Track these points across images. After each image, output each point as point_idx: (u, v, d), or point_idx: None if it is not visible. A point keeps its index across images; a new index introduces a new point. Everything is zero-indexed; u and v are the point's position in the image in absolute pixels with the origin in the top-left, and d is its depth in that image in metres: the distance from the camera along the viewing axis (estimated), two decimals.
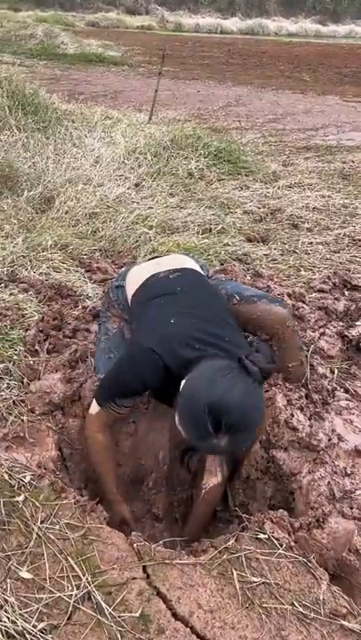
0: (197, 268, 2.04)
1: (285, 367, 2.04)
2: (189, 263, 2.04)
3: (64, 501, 1.58)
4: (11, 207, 3.39)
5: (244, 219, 3.73)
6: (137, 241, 3.14)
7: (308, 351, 2.22)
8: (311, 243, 3.39)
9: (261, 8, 34.44)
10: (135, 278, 1.97)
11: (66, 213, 3.37)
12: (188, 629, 1.29)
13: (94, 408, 1.73)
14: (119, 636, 1.26)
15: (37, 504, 1.56)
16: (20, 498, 1.57)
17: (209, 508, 1.83)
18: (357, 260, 3.22)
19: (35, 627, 1.25)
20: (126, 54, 14.47)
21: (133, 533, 1.54)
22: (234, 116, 7.57)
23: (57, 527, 1.50)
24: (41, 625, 1.26)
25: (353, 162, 5.34)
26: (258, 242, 3.35)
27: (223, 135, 5.81)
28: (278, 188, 4.33)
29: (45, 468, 1.71)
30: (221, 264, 3.00)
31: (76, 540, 1.47)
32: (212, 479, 1.77)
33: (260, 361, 1.48)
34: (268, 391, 1.96)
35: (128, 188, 3.90)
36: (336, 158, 5.48)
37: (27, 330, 2.25)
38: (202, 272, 2.05)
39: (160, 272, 1.92)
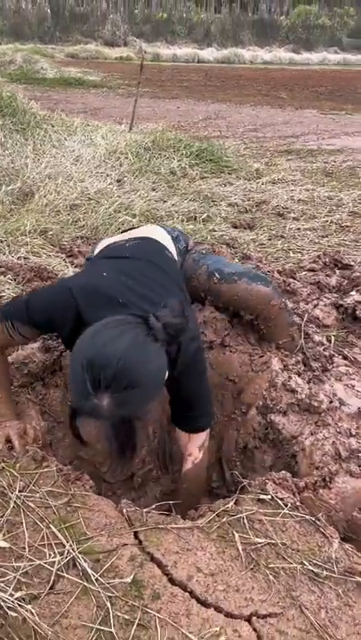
0: (165, 238, 1.86)
1: (276, 344, 1.93)
2: (157, 234, 1.87)
3: (45, 470, 1.43)
4: None
5: (229, 210, 3.66)
6: (119, 228, 3.04)
7: (302, 321, 2.11)
8: (299, 229, 3.32)
9: (236, 39, 35.28)
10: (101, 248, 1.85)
11: (46, 206, 3.27)
12: (187, 594, 1.14)
13: None
14: (109, 603, 1.10)
15: (15, 473, 1.40)
16: None
17: (194, 488, 1.65)
18: (346, 243, 3.15)
19: (12, 596, 1.09)
20: (106, 78, 14.64)
21: (123, 501, 1.40)
22: (214, 127, 7.60)
23: (37, 495, 1.35)
24: (19, 594, 1.10)
25: (335, 162, 5.34)
26: (244, 228, 3.27)
27: (204, 141, 5.80)
28: (262, 184, 4.28)
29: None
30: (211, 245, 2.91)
31: (58, 508, 1.32)
32: (187, 462, 1.59)
33: (165, 316, 1.29)
34: (262, 356, 1.84)
35: (110, 184, 3.82)
36: (318, 159, 5.48)
37: None
38: (166, 244, 1.83)
39: (121, 240, 1.80)
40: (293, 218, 3.57)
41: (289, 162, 5.30)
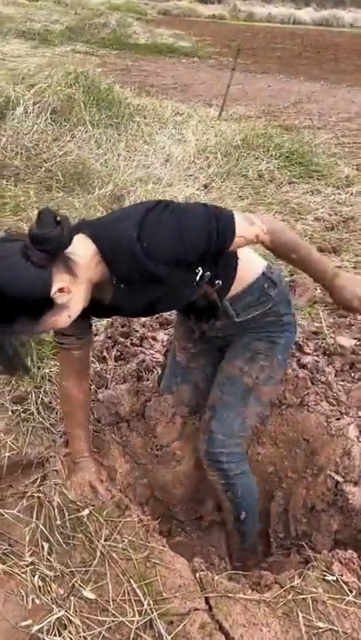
0: None
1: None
2: None
3: (127, 519, 1.57)
4: (82, 205, 3.41)
5: (315, 226, 3.62)
6: None
7: None
8: None
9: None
10: None
11: None
12: None
13: None
14: None
15: (101, 520, 1.55)
16: (85, 512, 1.57)
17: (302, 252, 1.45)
18: None
19: None
20: (197, 45, 14.34)
21: (195, 560, 1.52)
22: (305, 113, 7.37)
23: (120, 546, 1.49)
24: None
25: None
26: (329, 252, 3.24)
27: (295, 135, 5.65)
28: (351, 195, 4.17)
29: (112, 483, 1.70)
30: (291, 274, 2.92)
31: (138, 562, 1.46)
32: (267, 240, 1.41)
33: (32, 228, 1.18)
34: (339, 419, 1.88)
35: (197, 189, 3.85)
36: None
37: (95, 335, 2.25)
38: None
39: None
40: None
41: None
